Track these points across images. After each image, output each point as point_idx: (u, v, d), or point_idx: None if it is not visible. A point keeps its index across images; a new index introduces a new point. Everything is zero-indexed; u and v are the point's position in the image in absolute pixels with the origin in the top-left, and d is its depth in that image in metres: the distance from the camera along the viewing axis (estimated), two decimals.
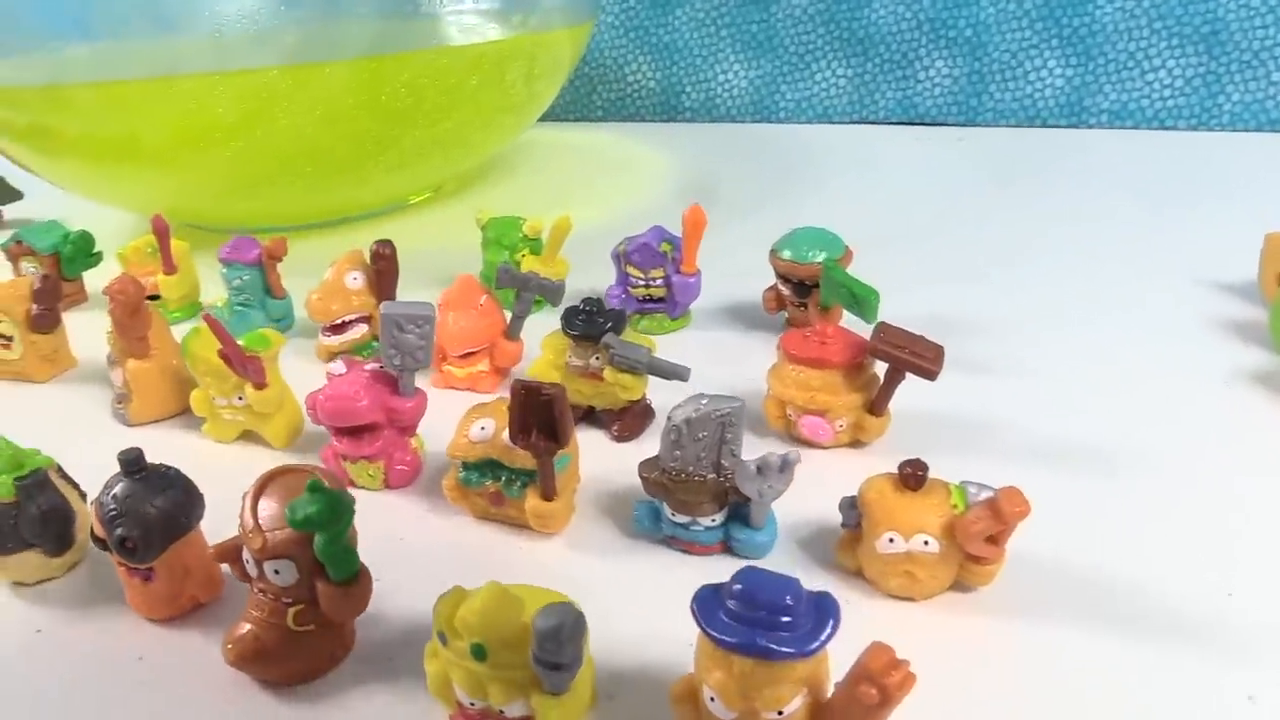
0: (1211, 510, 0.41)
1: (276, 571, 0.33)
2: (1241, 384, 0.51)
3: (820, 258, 0.55)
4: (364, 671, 0.34)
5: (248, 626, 0.33)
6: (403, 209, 0.90)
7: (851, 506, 0.37)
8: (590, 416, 0.49)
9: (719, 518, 0.38)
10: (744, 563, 0.39)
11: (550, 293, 0.53)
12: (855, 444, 0.46)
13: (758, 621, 0.27)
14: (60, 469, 0.40)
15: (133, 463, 0.35)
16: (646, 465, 0.39)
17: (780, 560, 0.39)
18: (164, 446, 0.50)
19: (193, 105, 0.68)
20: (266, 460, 0.48)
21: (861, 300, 0.51)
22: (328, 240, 0.82)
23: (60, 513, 0.39)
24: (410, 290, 0.60)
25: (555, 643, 0.27)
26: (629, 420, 0.48)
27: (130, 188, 0.79)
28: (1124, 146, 1.00)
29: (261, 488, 0.34)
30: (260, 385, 0.47)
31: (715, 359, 0.55)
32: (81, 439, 0.51)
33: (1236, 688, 0.32)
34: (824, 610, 0.27)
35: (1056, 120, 1.09)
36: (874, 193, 0.90)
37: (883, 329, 0.44)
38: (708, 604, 0.28)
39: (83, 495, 0.41)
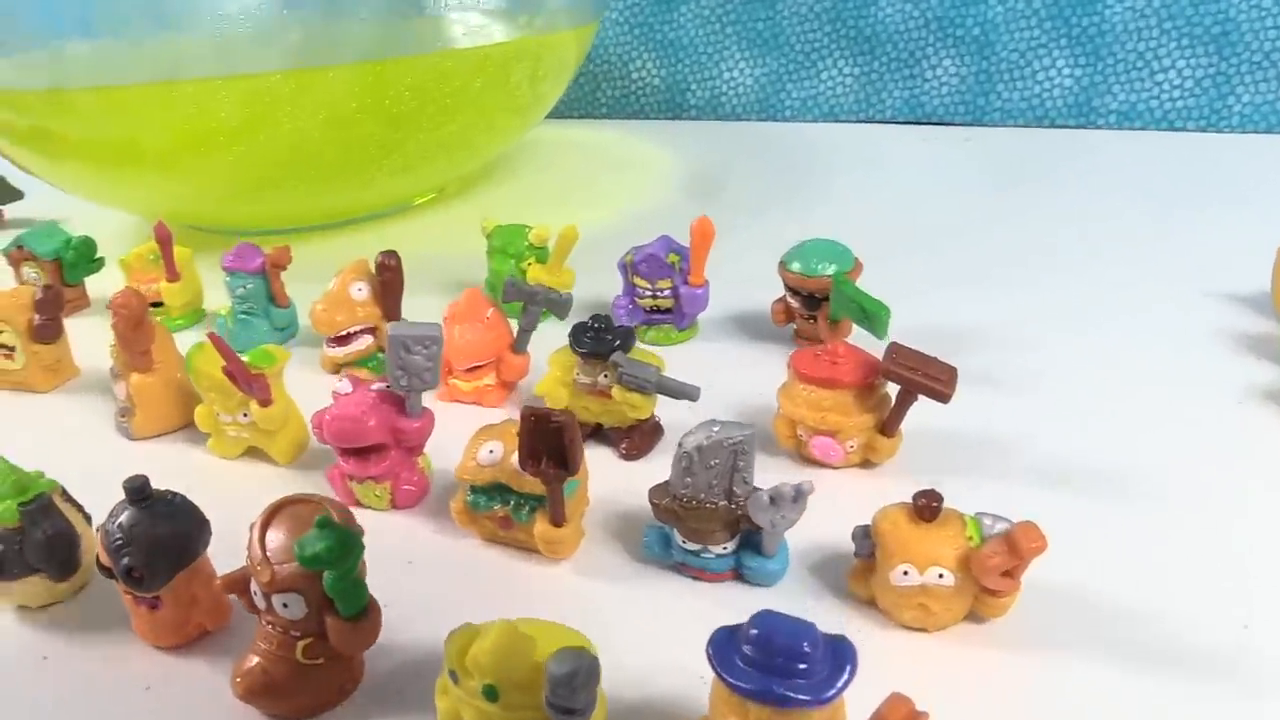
0: (1226, 537, 0.40)
1: (285, 605, 0.32)
2: (1254, 402, 0.50)
3: (830, 270, 0.55)
4: (373, 706, 0.34)
5: (256, 659, 0.33)
6: (406, 210, 0.89)
7: (865, 536, 0.36)
8: (598, 434, 0.49)
9: (730, 545, 0.38)
10: (755, 591, 0.38)
11: (558, 306, 0.53)
12: (866, 464, 0.46)
13: (774, 669, 0.26)
14: (64, 492, 0.40)
15: (138, 490, 0.35)
16: (657, 491, 0.39)
17: (791, 588, 0.38)
18: (167, 461, 0.50)
19: (195, 110, 0.67)
20: (271, 477, 0.48)
21: (872, 316, 0.51)
22: (331, 242, 0.81)
23: (65, 538, 0.38)
24: (415, 295, 0.59)
25: (569, 689, 0.26)
26: (637, 438, 0.48)
27: (132, 191, 0.78)
28: (1133, 147, 0.99)
29: (269, 519, 0.33)
30: (265, 402, 0.46)
31: (723, 371, 0.55)
32: (85, 452, 0.51)
33: None
34: (840, 656, 0.27)
35: (1065, 121, 1.08)
36: (880, 192, 0.90)
37: (895, 350, 0.44)
38: (723, 648, 0.27)
39: (87, 518, 0.40)
